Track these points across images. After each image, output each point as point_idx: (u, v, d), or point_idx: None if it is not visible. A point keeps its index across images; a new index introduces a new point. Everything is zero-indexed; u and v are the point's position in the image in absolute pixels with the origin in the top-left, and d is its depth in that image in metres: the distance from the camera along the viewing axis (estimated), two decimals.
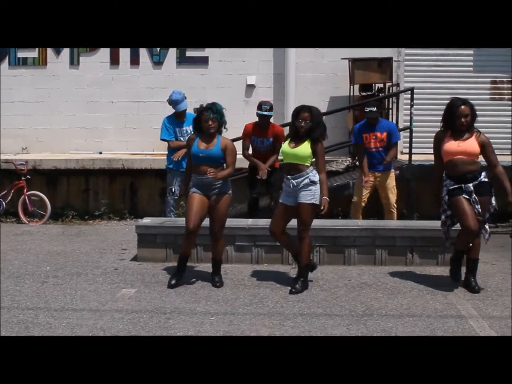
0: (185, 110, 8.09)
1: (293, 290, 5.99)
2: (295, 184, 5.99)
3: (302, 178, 5.98)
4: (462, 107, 5.83)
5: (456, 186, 5.89)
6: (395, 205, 7.96)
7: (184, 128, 8.03)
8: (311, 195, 5.97)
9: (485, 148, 5.88)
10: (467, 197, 5.86)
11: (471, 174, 5.86)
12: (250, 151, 8.22)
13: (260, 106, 7.95)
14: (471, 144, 5.85)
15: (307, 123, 5.96)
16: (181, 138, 7.99)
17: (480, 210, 5.85)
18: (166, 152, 8.32)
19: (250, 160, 8.10)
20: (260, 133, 7.99)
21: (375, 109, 7.84)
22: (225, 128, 6.31)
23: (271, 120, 8.24)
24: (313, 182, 5.98)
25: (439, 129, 6.13)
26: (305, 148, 5.98)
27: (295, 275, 6.25)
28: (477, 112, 10.35)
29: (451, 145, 5.88)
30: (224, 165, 6.21)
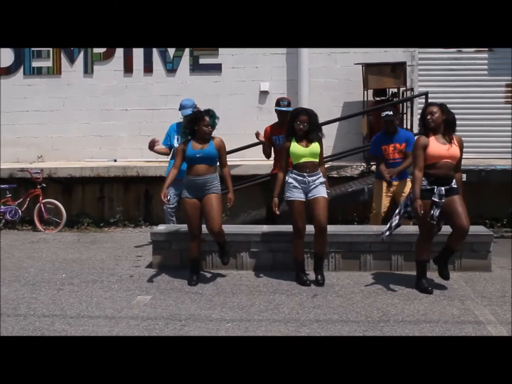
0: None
1: (320, 281, 6.42)
2: (310, 181, 6.40)
3: (317, 176, 6.45)
4: (429, 106, 6.15)
5: (429, 187, 6.03)
6: None
7: None
8: (325, 190, 6.46)
9: (461, 151, 6.14)
10: (437, 200, 5.98)
11: (447, 179, 6.06)
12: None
13: (278, 103, 7.94)
14: (456, 150, 6.08)
15: (305, 126, 6.40)
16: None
17: (437, 214, 5.98)
18: None
19: (268, 153, 8.03)
20: (280, 131, 7.90)
21: (391, 112, 7.78)
22: None
23: None
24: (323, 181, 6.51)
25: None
26: (316, 146, 6.46)
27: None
28: (492, 116, 10.49)
29: (439, 149, 6.02)
30: (218, 163, 6.63)
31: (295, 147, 6.43)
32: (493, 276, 6.69)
